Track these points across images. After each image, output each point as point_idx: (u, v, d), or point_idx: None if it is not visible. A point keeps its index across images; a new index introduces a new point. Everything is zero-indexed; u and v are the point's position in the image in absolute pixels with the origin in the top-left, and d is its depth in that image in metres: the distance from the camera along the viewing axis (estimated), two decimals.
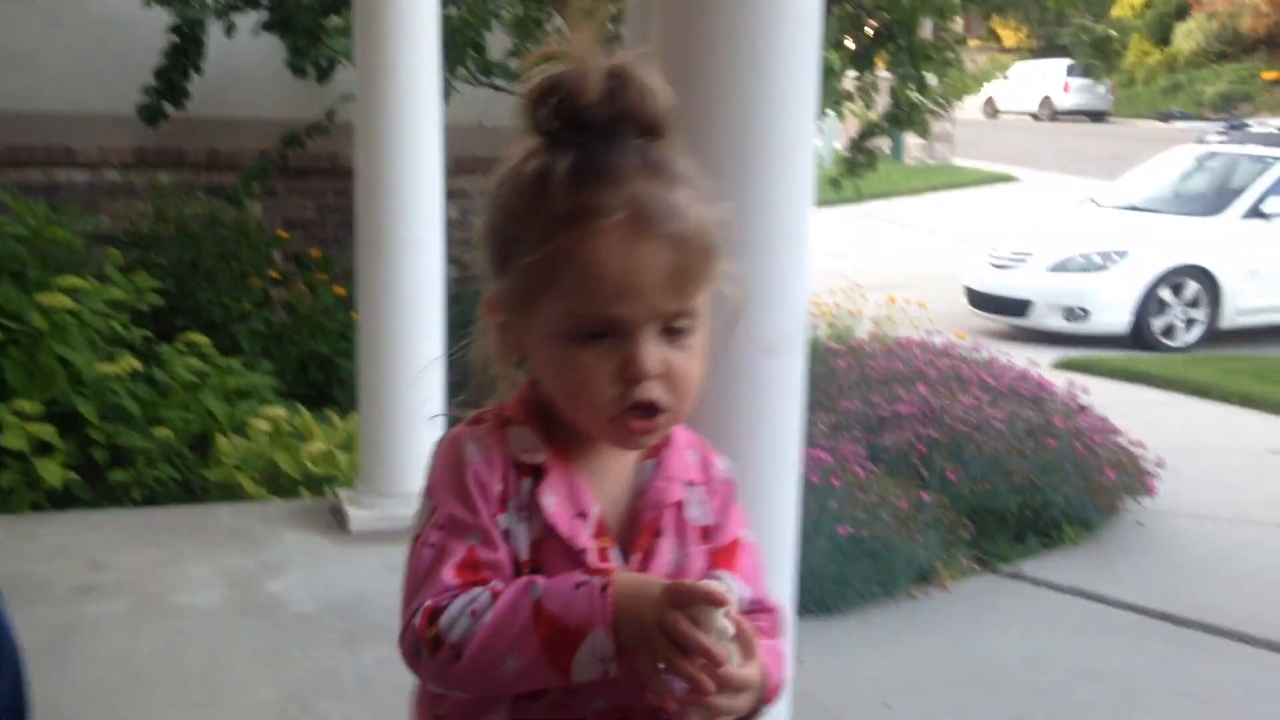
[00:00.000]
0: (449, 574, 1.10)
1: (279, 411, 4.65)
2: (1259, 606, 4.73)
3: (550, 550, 1.14)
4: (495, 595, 1.08)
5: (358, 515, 4.07)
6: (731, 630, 1.06)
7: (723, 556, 1.23)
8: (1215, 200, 10.87)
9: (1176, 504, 5.69)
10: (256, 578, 3.71)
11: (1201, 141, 12.44)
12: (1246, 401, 8.00)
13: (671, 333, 1.12)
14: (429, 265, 4.12)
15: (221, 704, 2.97)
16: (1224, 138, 12.24)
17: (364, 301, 4.19)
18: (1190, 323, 10.23)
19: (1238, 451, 6.93)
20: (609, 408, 1.11)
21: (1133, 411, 6.48)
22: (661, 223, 1.09)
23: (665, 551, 1.19)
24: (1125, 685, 4.06)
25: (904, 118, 6.77)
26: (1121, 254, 10.23)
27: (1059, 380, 6.22)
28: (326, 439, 4.62)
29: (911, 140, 18.44)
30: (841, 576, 4.43)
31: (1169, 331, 10.17)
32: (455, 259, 6.93)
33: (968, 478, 5.09)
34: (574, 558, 1.13)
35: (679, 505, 1.21)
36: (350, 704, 2.96)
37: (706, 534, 1.23)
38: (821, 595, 4.36)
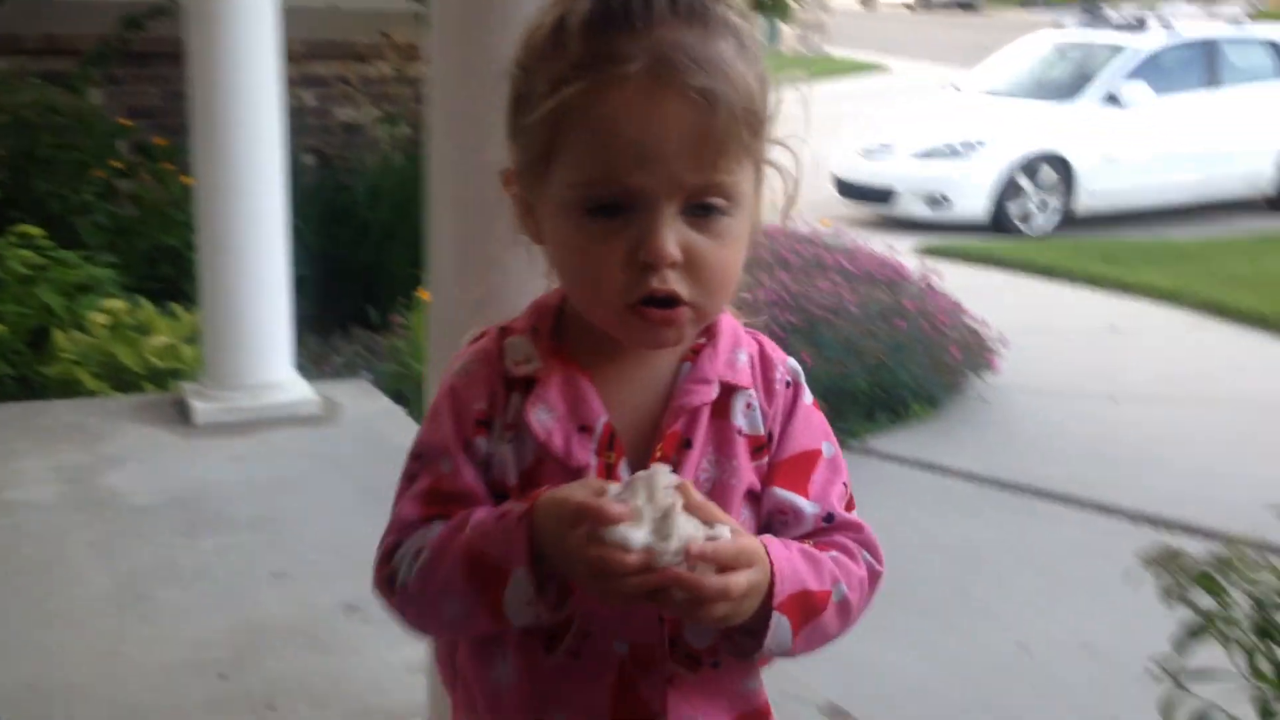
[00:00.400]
0: (410, 507, 1.00)
1: (119, 304, 4.52)
2: (1087, 472, 4.99)
3: (548, 472, 0.99)
4: (446, 525, 0.98)
5: (202, 408, 4.02)
6: (656, 539, 0.90)
7: (786, 471, 1.05)
8: (1071, 87, 11.11)
9: (1018, 380, 5.93)
10: (94, 471, 3.65)
11: (1058, 28, 12.68)
12: (1092, 282, 8.32)
13: (699, 212, 0.95)
14: (267, 153, 4.01)
15: (58, 596, 2.93)
16: (1079, 24, 12.49)
17: (201, 193, 4.07)
18: (1046, 208, 10.53)
19: (1078, 330, 7.23)
20: (620, 297, 0.95)
21: (984, 294, 6.69)
22: (689, 74, 0.91)
23: (696, 466, 1.01)
24: (967, 554, 4.27)
25: (767, 3, 6.78)
26: (980, 143, 10.44)
27: (917, 266, 6.37)
28: (171, 332, 4.51)
29: (788, 30, 18.41)
30: None
31: (1026, 217, 10.46)
32: (314, 148, 6.80)
33: (823, 359, 5.22)
34: (571, 477, 0.97)
35: (719, 412, 1.03)
36: (189, 592, 2.95)
37: (760, 446, 1.05)
38: None
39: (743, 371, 1.05)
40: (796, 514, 1.04)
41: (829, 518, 1.05)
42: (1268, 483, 4.46)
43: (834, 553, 1.02)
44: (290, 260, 4.19)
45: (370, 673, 2.55)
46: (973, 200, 10.30)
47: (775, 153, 1.01)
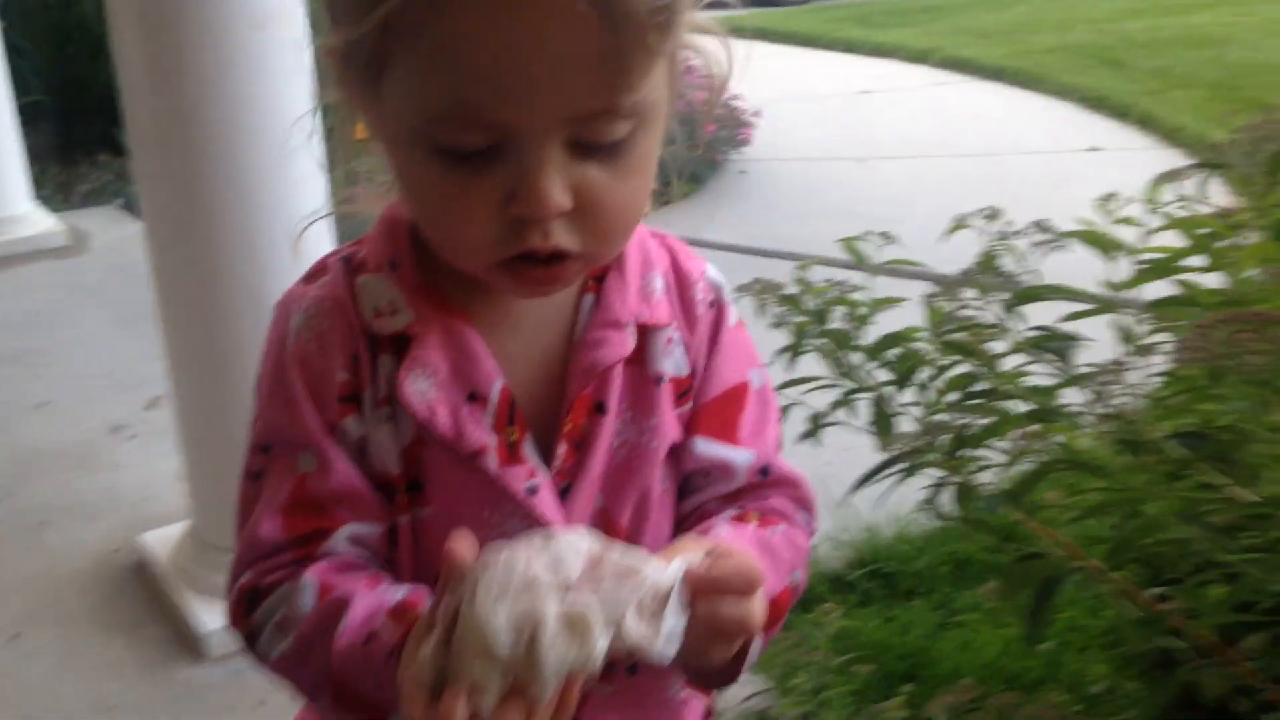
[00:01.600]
0: (270, 526, 0.77)
1: None
2: (840, 231, 5.32)
3: (432, 456, 0.77)
4: (320, 593, 0.75)
5: None
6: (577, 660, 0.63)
7: (710, 416, 0.84)
8: None
9: (775, 150, 6.18)
10: None
11: None
12: (848, 47, 8.60)
13: (590, 144, 0.69)
14: None
15: None
16: None
17: None
18: None
19: (833, 95, 7.52)
20: (491, 252, 0.71)
21: (745, 67, 6.85)
22: None
23: (610, 435, 0.80)
24: None
25: None
26: None
27: None
28: None
29: None
30: None
31: None
32: None
33: None
34: (464, 463, 0.77)
35: (634, 358, 0.81)
36: None
37: (686, 390, 0.84)
38: None
39: (659, 304, 0.83)
40: (725, 469, 0.84)
41: (764, 470, 0.85)
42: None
43: (781, 528, 0.84)
44: (13, 86, 4.00)
45: (138, 485, 2.65)
46: None
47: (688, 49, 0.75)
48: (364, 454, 0.77)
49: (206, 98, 1.89)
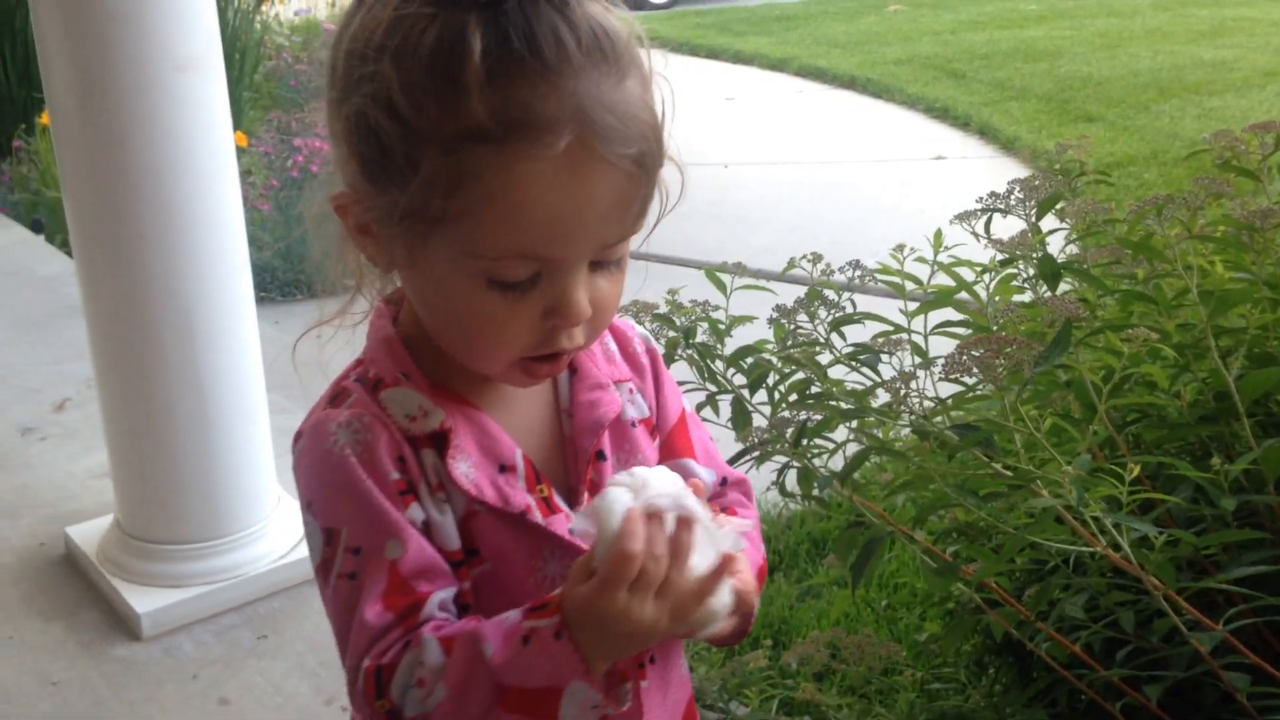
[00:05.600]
0: (374, 612, 0.86)
1: None
2: (702, 234, 5.66)
3: (483, 524, 0.91)
4: (444, 648, 0.85)
5: None
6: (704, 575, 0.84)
7: (675, 443, 1.04)
8: None
9: None
10: None
11: None
12: (711, 54, 8.96)
13: (603, 261, 0.86)
14: None
15: None
16: None
17: None
18: None
19: (699, 101, 7.86)
20: (520, 354, 0.87)
21: None
22: (616, 142, 0.80)
23: (611, 474, 0.96)
24: None
25: None
26: None
27: None
28: None
29: None
30: None
31: None
32: None
33: None
34: (513, 522, 0.91)
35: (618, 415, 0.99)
36: None
37: (650, 426, 1.02)
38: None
39: (619, 363, 1.01)
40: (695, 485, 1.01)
41: (723, 480, 1.06)
42: (835, 225, 5.26)
43: (751, 519, 1.01)
44: None
45: (55, 484, 2.80)
46: None
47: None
48: (429, 536, 0.89)
49: (132, 132, 2.08)
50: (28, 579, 2.42)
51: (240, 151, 4.60)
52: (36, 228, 4.73)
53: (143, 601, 2.24)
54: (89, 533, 2.47)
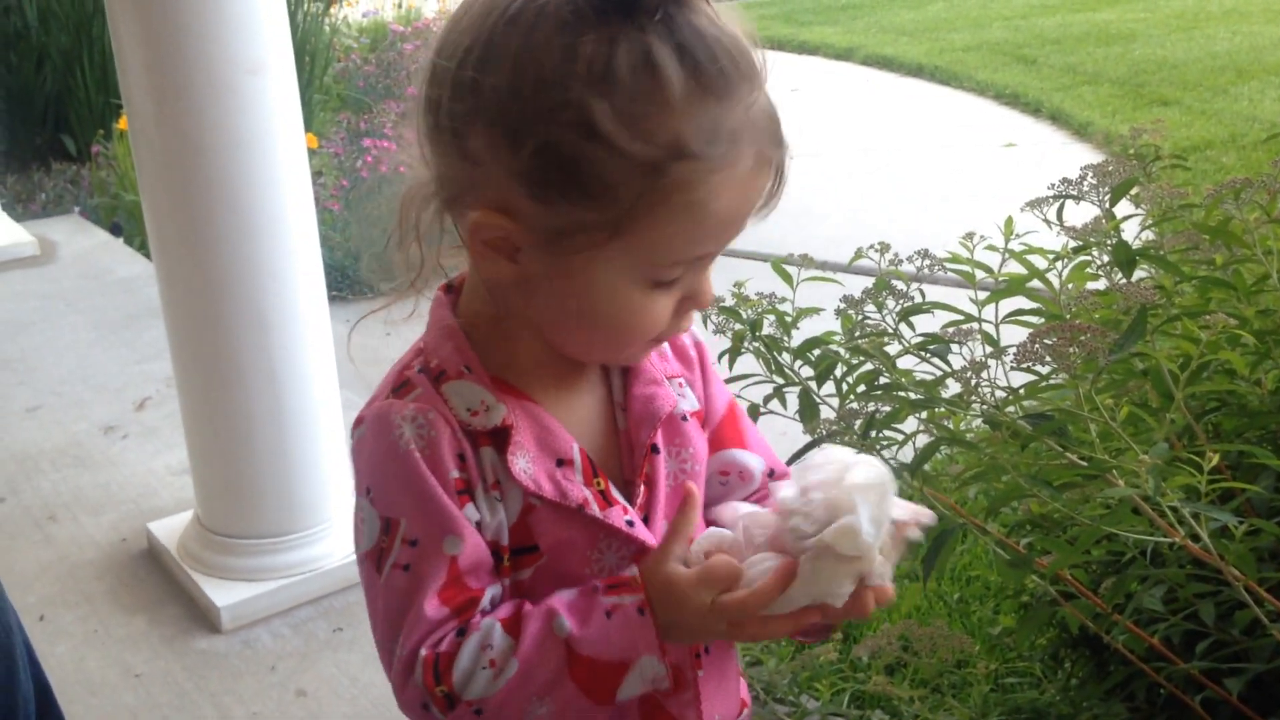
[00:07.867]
0: (433, 606, 0.88)
1: None
2: (767, 227, 5.62)
3: (541, 518, 0.92)
4: (508, 630, 0.89)
5: None
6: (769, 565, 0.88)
7: (725, 434, 1.06)
8: None
9: None
10: None
11: None
12: (776, 45, 8.89)
13: None
14: None
15: None
16: None
17: None
18: None
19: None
20: (654, 337, 0.92)
21: None
22: (777, 154, 0.87)
23: (664, 467, 0.98)
24: None
25: None
26: None
27: None
28: None
29: None
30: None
31: None
32: None
33: None
34: (571, 516, 0.92)
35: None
36: None
37: (701, 419, 1.04)
38: None
39: (670, 358, 1.03)
40: (744, 473, 1.06)
41: (770, 472, 1.07)
42: (903, 215, 5.21)
43: None
44: None
45: (138, 481, 2.88)
46: None
47: None
48: (480, 532, 0.91)
49: (206, 134, 2.13)
50: (112, 574, 2.48)
51: (311, 153, 4.66)
52: (116, 231, 4.84)
53: (222, 595, 2.29)
54: (170, 528, 2.53)
